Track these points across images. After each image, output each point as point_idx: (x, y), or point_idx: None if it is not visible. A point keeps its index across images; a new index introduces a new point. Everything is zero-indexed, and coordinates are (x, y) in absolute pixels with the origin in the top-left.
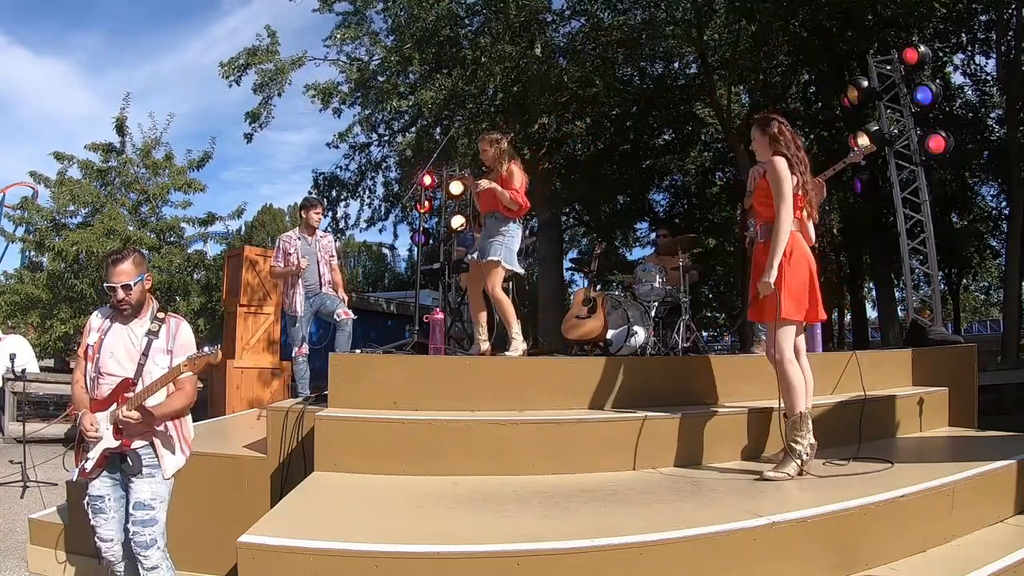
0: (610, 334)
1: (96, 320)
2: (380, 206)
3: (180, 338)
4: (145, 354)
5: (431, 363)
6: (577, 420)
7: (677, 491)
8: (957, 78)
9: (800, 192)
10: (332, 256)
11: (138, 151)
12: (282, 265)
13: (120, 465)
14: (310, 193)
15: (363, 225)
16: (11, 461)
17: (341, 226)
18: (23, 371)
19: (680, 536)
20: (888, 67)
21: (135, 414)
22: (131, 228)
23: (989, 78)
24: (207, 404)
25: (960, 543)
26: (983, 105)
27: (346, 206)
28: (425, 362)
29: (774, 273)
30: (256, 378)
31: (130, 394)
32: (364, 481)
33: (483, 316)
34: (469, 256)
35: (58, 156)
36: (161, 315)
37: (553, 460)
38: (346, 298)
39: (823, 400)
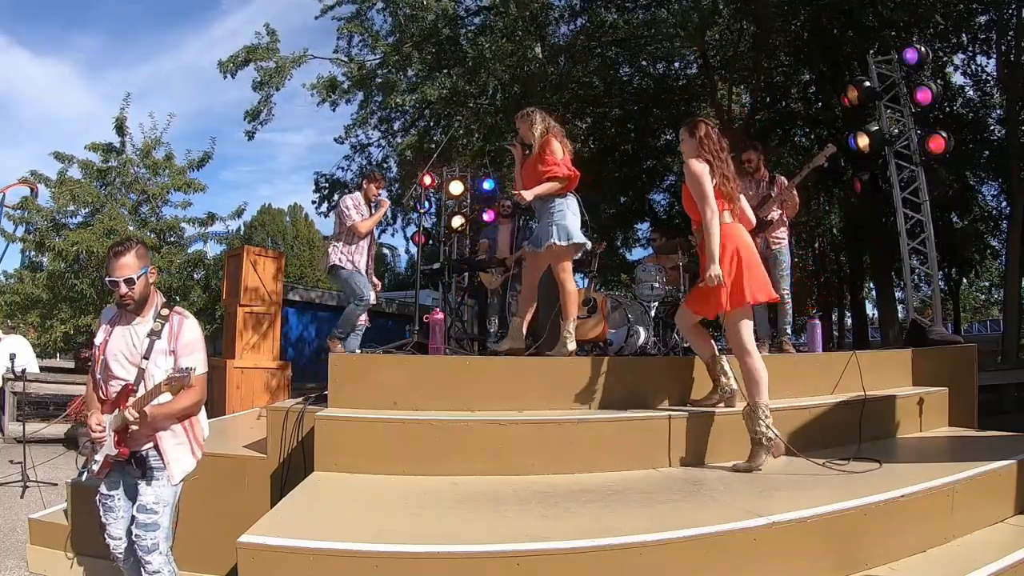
0: (610, 334)
1: (105, 318)
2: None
3: (183, 337)
4: (146, 356)
5: (431, 363)
6: (577, 420)
7: (677, 491)
8: (957, 78)
9: (721, 188)
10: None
11: (138, 151)
12: (367, 215)
13: (125, 469)
14: (315, 202)
15: None
16: (11, 461)
17: None
18: (23, 371)
19: (680, 536)
20: (888, 67)
21: (134, 414)
22: (131, 228)
23: (989, 78)
24: (207, 404)
25: (960, 543)
26: (983, 105)
27: None
28: (425, 362)
29: (716, 266)
30: (256, 378)
31: (132, 399)
32: (364, 481)
33: (530, 313)
34: (524, 247)
35: (58, 156)
36: (165, 312)
37: (553, 460)
38: (378, 284)
39: (823, 400)
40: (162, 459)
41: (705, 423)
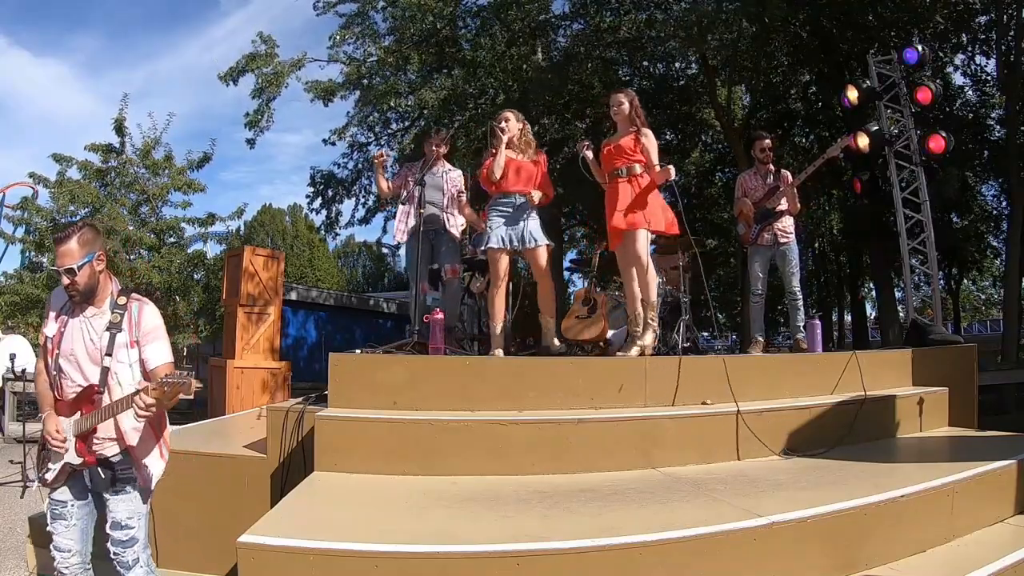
0: (610, 334)
1: (55, 304)
2: (376, 206)
3: (144, 325)
4: (109, 353)
5: (431, 363)
6: (577, 420)
7: (677, 491)
8: (957, 78)
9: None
10: (461, 192)
11: (138, 151)
12: (383, 185)
13: (89, 480)
14: (308, 196)
15: (356, 224)
16: (11, 461)
17: (335, 222)
18: (23, 371)
19: (680, 536)
20: (888, 67)
21: (150, 400)
22: (131, 228)
23: (989, 78)
24: (207, 404)
25: (960, 543)
26: (983, 105)
27: (340, 203)
28: (425, 362)
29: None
30: (256, 378)
31: (98, 403)
32: (364, 481)
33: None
34: (492, 245)
35: (57, 158)
36: (123, 300)
37: (553, 460)
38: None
39: (823, 400)
40: (133, 466)
41: (705, 423)
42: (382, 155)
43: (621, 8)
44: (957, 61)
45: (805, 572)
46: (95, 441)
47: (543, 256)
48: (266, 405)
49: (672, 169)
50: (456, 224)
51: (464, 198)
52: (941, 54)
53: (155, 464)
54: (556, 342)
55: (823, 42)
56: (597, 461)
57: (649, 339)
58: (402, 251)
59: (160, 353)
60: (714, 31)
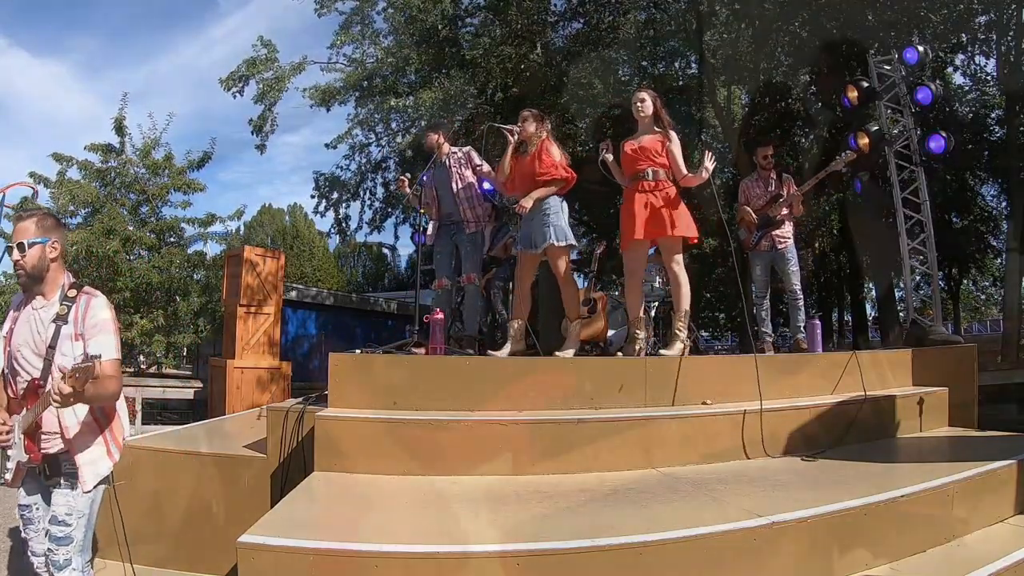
0: (610, 334)
1: (13, 304)
2: (381, 208)
3: (91, 318)
4: (52, 346)
5: (431, 363)
6: (577, 420)
7: (677, 491)
8: (957, 78)
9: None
10: (478, 166)
11: (138, 151)
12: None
13: (37, 476)
14: (313, 196)
15: (366, 228)
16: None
17: (344, 227)
18: None
19: (680, 536)
20: (888, 67)
21: (67, 388)
22: (131, 228)
23: (989, 78)
24: (207, 404)
25: (960, 543)
26: (983, 105)
27: (347, 207)
28: (425, 362)
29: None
30: (256, 378)
31: (39, 398)
32: (364, 481)
33: (526, 314)
34: (515, 249)
35: (57, 158)
36: (72, 293)
37: (553, 460)
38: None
39: (823, 400)
40: (74, 464)
41: (705, 423)
42: (403, 181)
43: (620, 7)
44: (957, 61)
45: (805, 572)
46: (42, 437)
47: (554, 257)
48: (266, 405)
49: (707, 170)
50: (474, 218)
51: (484, 168)
52: (941, 54)
53: (100, 463)
54: (570, 353)
55: (823, 42)
56: (597, 461)
57: (676, 350)
58: (437, 242)
59: (102, 347)
60: (711, 31)
